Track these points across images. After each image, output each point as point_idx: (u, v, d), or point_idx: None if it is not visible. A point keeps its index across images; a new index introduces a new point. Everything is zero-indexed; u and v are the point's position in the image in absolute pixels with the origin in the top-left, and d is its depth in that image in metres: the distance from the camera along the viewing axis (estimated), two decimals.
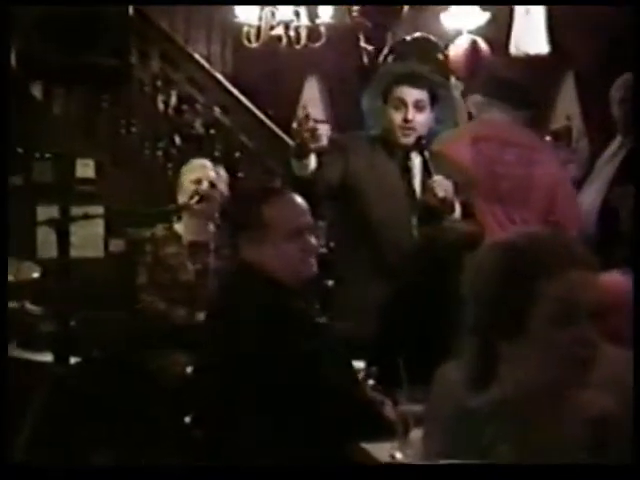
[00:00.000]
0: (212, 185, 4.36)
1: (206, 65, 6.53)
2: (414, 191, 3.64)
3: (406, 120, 3.61)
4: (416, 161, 3.67)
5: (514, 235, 1.87)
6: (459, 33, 6.35)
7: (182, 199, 4.36)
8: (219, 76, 6.55)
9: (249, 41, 6.31)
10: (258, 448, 2.55)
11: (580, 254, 1.78)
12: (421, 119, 3.64)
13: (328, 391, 2.57)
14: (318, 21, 6.25)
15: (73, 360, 3.96)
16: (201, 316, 4.04)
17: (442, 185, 3.53)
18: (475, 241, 3.40)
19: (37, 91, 5.87)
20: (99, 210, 5.58)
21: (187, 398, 3.05)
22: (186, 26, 7.50)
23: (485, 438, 1.74)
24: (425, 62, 4.83)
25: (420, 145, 3.64)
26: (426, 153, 3.62)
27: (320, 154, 3.44)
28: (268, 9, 6.28)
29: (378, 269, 3.58)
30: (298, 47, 6.28)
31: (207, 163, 4.50)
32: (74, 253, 4.02)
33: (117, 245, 5.83)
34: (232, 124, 6.39)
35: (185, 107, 6.37)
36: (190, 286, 4.24)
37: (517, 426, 1.75)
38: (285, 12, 6.25)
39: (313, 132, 3.33)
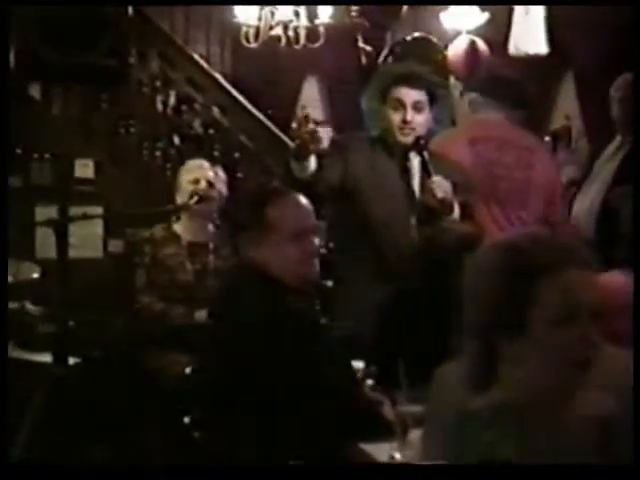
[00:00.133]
0: (210, 185, 4.36)
1: (205, 65, 6.53)
2: (413, 192, 3.64)
3: (404, 121, 3.60)
4: (415, 162, 3.67)
5: (514, 235, 1.87)
6: (458, 33, 6.36)
7: (181, 199, 4.36)
8: (218, 76, 6.54)
9: (248, 41, 6.31)
10: (257, 448, 2.55)
11: (580, 254, 1.78)
12: (420, 120, 3.63)
13: (327, 391, 2.57)
14: (317, 21, 6.25)
15: (72, 360, 3.95)
16: (200, 316, 4.05)
17: (441, 186, 3.52)
18: (474, 242, 3.40)
19: (36, 91, 5.86)
20: (98, 210, 5.59)
21: (186, 398, 3.04)
22: (185, 26, 7.50)
23: (485, 439, 1.74)
24: (424, 62, 4.82)
25: (419, 146, 3.63)
26: (425, 154, 3.62)
27: (320, 155, 3.44)
28: (267, 9, 6.27)
29: (377, 269, 3.58)
30: (297, 47, 6.28)
31: (205, 163, 4.49)
32: (73, 253, 4.01)
33: (116, 245, 5.82)
34: (231, 124, 6.38)
35: (184, 107, 6.36)
36: (189, 286, 4.24)
37: (518, 427, 1.75)
38: (284, 12, 6.25)
39: (313, 134, 3.32)
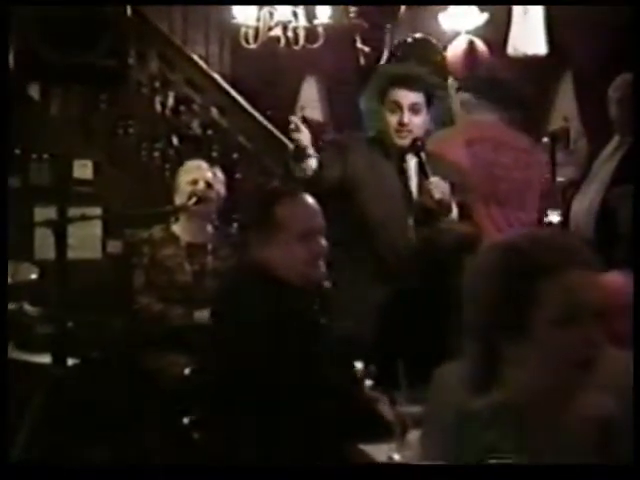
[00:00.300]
0: (209, 186, 4.35)
1: (204, 66, 6.52)
2: (411, 193, 3.64)
3: (401, 124, 3.60)
4: (411, 163, 3.66)
5: (514, 235, 1.86)
6: (457, 34, 6.36)
7: (179, 200, 4.36)
8: (217, 77, 6.53)
9: (247, 42, 6.31)
10: (257, 448, 2.55)
11: (581, 254, 1.78)
12: (417, 121, 3.63)
13: (327, 392, 2.57)
14: (316, 22, 6.26)
15: (71, 361, 3.95)
16: (199, 317, 4.05)
17: (439, 187, 3.52)
18: (472, 242, 3.40)
19: (34, 92, 5.85)
20: (97, 211, 5.58)
21: (186, 399, 3.04)
22: (184, 27, 7.50)
23: (485, 439, 1.74)
24: (424, 63, 4.83)
25: (416, 147, 3.63)
26: (422, 155, 3.62)
27: (319, 155, 3.44)
28: (266, 10, 6.28)
29: (376, 270, 3.58)
30: (296, 48, 6.28)
31: (203, 164, 4.49)
32: (72, 254, 4.01)
33: (115, 246, 5.81)
34: (230, 125, 6.37)
35: (183, 108, 6.35)
36: (188, 287, 4.24)
37: (518, 427, 1.75)
38: (283, 13, 6.25)
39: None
